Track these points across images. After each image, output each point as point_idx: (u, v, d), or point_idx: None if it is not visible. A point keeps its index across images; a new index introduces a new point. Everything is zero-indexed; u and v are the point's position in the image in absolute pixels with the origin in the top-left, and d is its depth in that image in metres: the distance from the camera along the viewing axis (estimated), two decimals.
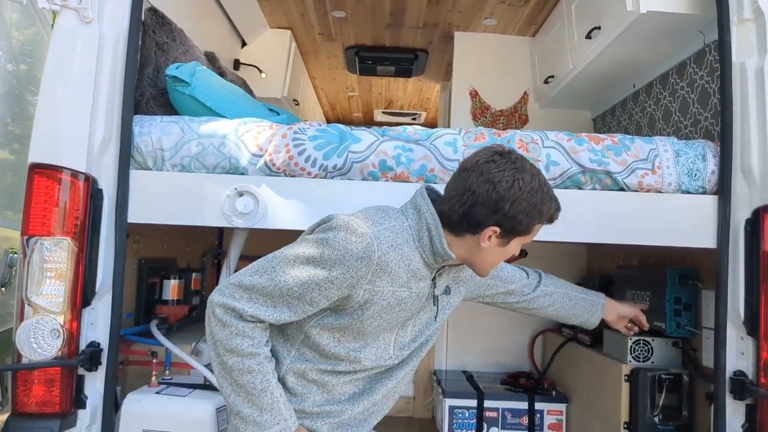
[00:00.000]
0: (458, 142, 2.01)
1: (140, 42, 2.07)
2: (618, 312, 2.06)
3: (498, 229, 1.42)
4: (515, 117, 4.03)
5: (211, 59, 2.85)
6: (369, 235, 1.38)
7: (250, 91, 3.11)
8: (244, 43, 4.02)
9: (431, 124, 6.41)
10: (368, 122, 6.73)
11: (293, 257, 1.40)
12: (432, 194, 1.52)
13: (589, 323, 2.03)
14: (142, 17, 2.05)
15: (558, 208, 1.50)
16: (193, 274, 2.76)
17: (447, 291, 1.62)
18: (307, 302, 1.40)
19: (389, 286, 1.42)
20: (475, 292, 1.83)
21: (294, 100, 4.55)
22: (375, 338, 1.52)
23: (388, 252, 1.39)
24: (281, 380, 1.50)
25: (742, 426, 1.86)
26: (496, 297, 1.89)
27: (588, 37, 2.87)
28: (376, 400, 1.58)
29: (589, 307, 2.00)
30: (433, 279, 1.53)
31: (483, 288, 1.84)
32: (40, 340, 1.75)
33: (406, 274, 1.44)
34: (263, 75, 4.00)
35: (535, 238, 2.07)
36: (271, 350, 1.49)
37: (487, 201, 1.39)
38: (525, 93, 4.03)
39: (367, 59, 4.64)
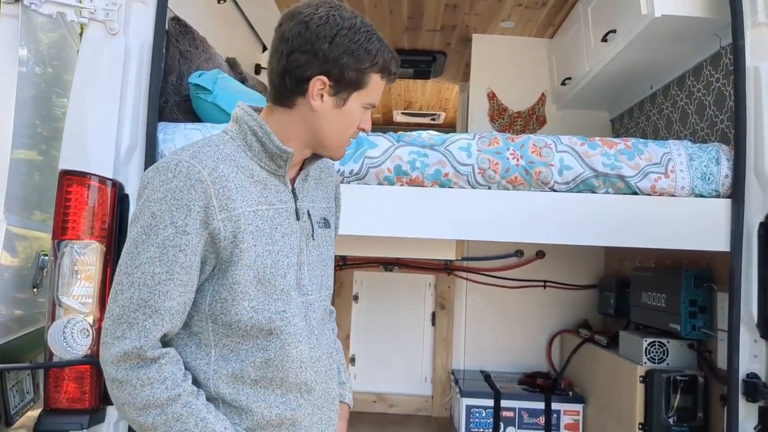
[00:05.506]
0: (472, 147, 2.05)
1: (164, 51, 2.14)
2: None
3: (325, 79, 1.21)
4: (533, 118, 4.04)
5: (233, 65, 2.92)
6: (184, 160, 1.17)
7: None
8: (264, 48, 4.08)
9: (450, 125, 6.43)
10: (388, 123, 6.78)
11: (133, 246, 1.16)
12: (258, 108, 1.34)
13: None
14: (166, 27, 2.12)
15: (394, 57, 1.25)
16: None
17: (314, 201, 1.38)
18: (183, 273, 1.16)
19: (246, 207, 1.20)
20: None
21: None
22: (291, 287, 1.26)
23: (217, 166, 1.18)
24: (218, 399, 1.21)
25: (755, 428, 1.88)
26: None
27: (604, 40, 2.89)
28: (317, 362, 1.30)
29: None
30: (293, 191, 1.31)
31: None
32: (70, 339, 1.80)
33: (255, 187, 1.23)
34: None
35: (550, 241, 2.13)
36: (189, 369, 1.21)
37: (302, 44, 1.20)
38: (543, 94, 4.05)
39: None
